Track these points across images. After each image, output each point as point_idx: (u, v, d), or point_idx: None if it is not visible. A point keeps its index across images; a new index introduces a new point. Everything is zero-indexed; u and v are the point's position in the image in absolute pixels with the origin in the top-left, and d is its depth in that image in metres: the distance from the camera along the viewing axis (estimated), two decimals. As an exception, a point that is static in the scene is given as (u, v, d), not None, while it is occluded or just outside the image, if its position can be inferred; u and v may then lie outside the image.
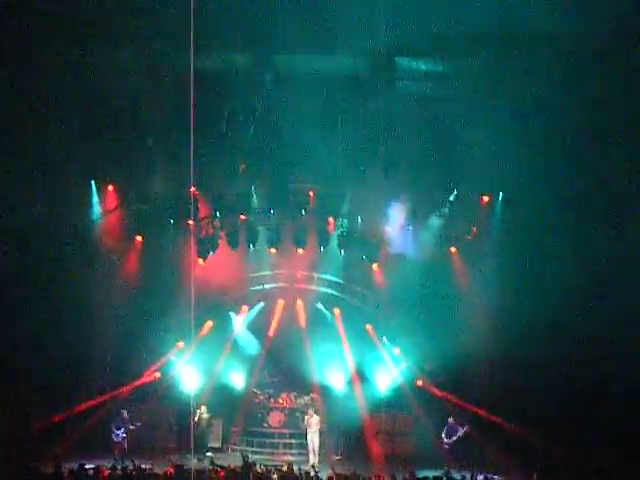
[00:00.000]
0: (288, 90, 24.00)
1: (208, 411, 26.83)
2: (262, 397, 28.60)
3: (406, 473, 19.60)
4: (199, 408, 26.51)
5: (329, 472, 19.91)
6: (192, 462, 21.26)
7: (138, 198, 27.59)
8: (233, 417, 28.24)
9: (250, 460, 21.26)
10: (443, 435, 25.01)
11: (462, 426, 24.80)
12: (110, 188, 27.61)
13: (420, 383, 28.11)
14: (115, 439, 24.74)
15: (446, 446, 24.86)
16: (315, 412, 26.38)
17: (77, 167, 25.74)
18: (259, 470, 20.01)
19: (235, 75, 23.87)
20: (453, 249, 28.10)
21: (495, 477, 20.73)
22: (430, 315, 27.11)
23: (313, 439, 25.93)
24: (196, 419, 26.12)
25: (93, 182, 27.32)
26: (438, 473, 21.17)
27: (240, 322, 29.44)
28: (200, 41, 16.00)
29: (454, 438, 24.72)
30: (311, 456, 25.72)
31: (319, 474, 19.48)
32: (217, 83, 22.66)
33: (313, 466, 21.93)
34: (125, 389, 27.47)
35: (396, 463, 25.22)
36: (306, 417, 26.35)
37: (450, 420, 25.17)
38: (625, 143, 23.63)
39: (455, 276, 28.01)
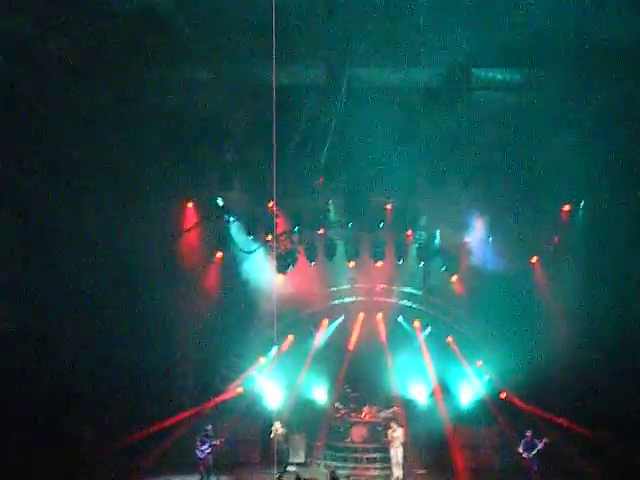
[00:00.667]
0: (364, 104, 23.97)
1: (283, 426, 26.34)
2: (344, 411, 28.46)
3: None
4: (274, 425, 26.20)
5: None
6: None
7: (218, 214, 27.84)
8: (316, 432, 28.11)
9: (336, 474, 21.26)
10: (520, 449, 24.32)
11: (540, 440, 24.04)
12: (190, 205, 27.95)
13: (504, 395, 27.72)
14: (200, 455, 24.52)
15: (527, 460, 24.16)
16: (398, 425, 26.16)
17: (158, 184, 26.15)
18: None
19: (311, 90, 24.01)
20: (534, 259, 27.73)
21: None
22: (512, 326, 26.79)
23: (397, 453, 25.68)
24: (272, 435, 25.93)
25: (173, 199, 27.65)
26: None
27: (321, 336, 29.45)
28: (278, 56, 16.19)
29: (533, 452, 23.97)
30: (395, 470, 25.48)
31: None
32: (293, 98, 22.76)
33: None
34: (208, 405, 27.67)
35: (481, 477, 24.98)
36: (389, 431, 26.10)
37: (528, 434, 24.37)
38: None
39: (537, 286, 27.60)
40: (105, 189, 24.88)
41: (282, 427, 26.19)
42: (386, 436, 26.33)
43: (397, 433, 25.77)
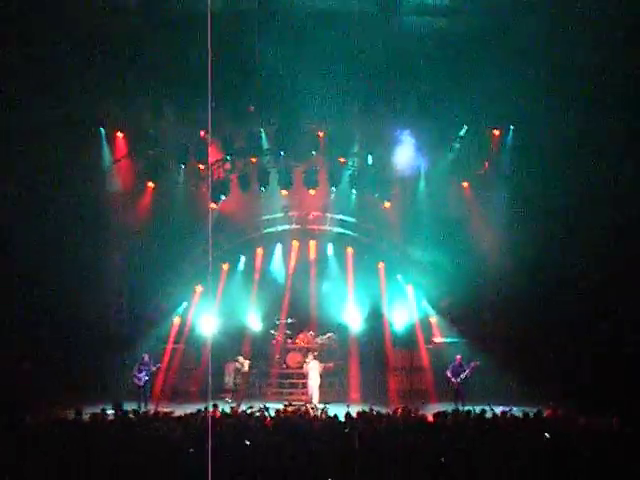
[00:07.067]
0: (297, 30, 23.79)
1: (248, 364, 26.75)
2: (280, 338, 28.71)
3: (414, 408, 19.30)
4: (237, 360, 26.75)
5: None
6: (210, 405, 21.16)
7: (148, 144, 27.49)
8: (252, 359, 28.12)
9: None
10: (449, 373, 24.75)
11: (468, 366, 24.50)
12: (120, 135, 27.55)
13: (435, 320, 28.23)
14: (138, 383, 24.83)
15: (455, 384, 24.63)
16: (314, 358, 26.38)
17: (85, 115, 25.64)
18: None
19: (245, 16, 23.70)
20: (465, 184, 28.00)
21: (513, 409, 20.74)
22: (444, 251, 27.20)
23: (314, 383, 25.77)
24: (236, 366, 26.51)
25: (102, 130, 27.22)
26: (456, 408, 21.17)
27: (255, 264, 29.48)
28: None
29: (461, 377, 24.45)
30: (313, 397, 25.44)
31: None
32: (224, 26, 22.35)
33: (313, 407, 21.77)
34: (144, 334, 27.58)
35: (413, 398, 25.45)
36: (305, 364, 26.42)
37: (457, 358, 24.90)
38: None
39: (468, 211, 27.97)
40: (32, 123, 24.21)
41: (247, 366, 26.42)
42: (302, 368, 26.72)
43: (313, 365, 26.01)
